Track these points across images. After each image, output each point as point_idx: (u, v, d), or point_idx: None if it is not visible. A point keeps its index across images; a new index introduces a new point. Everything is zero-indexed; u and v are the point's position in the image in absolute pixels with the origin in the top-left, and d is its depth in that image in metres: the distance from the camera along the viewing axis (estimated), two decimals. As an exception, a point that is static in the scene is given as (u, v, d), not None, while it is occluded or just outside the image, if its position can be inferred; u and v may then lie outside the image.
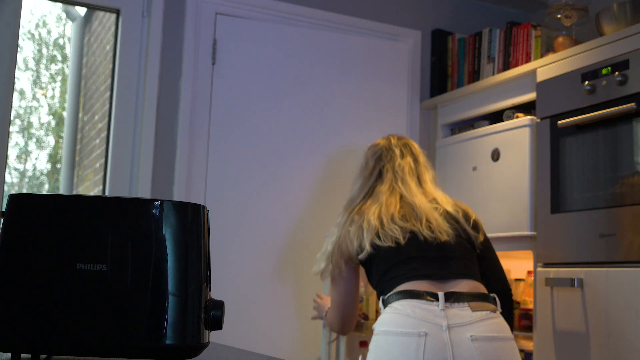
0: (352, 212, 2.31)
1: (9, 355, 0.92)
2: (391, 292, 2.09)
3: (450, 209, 2.27)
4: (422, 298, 2.03)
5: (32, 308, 0.90)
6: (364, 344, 2.69)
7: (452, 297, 2.03)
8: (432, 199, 2.30)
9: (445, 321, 1.98)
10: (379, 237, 2.19)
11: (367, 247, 2.19)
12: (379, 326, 2.06)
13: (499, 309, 2.10)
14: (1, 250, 0.92)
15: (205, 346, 0.95)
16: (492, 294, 2.12)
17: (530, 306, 2.85)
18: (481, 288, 2.14)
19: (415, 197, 2.28)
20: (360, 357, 2.67)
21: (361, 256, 2.22)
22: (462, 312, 2.01)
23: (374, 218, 2.22)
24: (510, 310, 2.19)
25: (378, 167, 2.39)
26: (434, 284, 2.09)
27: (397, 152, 2.39)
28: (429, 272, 2.11)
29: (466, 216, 2.28)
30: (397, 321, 2.01)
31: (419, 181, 2.35)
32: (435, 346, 1.94)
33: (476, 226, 2.28)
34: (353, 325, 2.47)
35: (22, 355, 0.95)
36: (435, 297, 2.03)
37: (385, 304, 2.10)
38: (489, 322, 2.01)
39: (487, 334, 1.98)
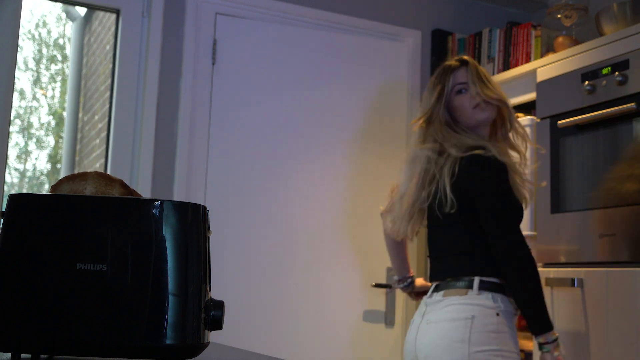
0: None
1: (9, 355, 0.92)
2: None
3: None
4: None
5: (32, 308, 0.90)
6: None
7: None
8: None
9: None
10: None
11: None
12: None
13: None
14: (1, 250, 0.92)
15: (205, 346, 0.95)
16: None
17: (530, 306, 2.85)
18: None
19: None
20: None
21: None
22: None
23: None
24: None
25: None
26: None
27: None
28: None
29: None
30: None
31: None
32: None
33: None
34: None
35: (22, 355, 0.95)
36: None
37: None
38: None
39: None
